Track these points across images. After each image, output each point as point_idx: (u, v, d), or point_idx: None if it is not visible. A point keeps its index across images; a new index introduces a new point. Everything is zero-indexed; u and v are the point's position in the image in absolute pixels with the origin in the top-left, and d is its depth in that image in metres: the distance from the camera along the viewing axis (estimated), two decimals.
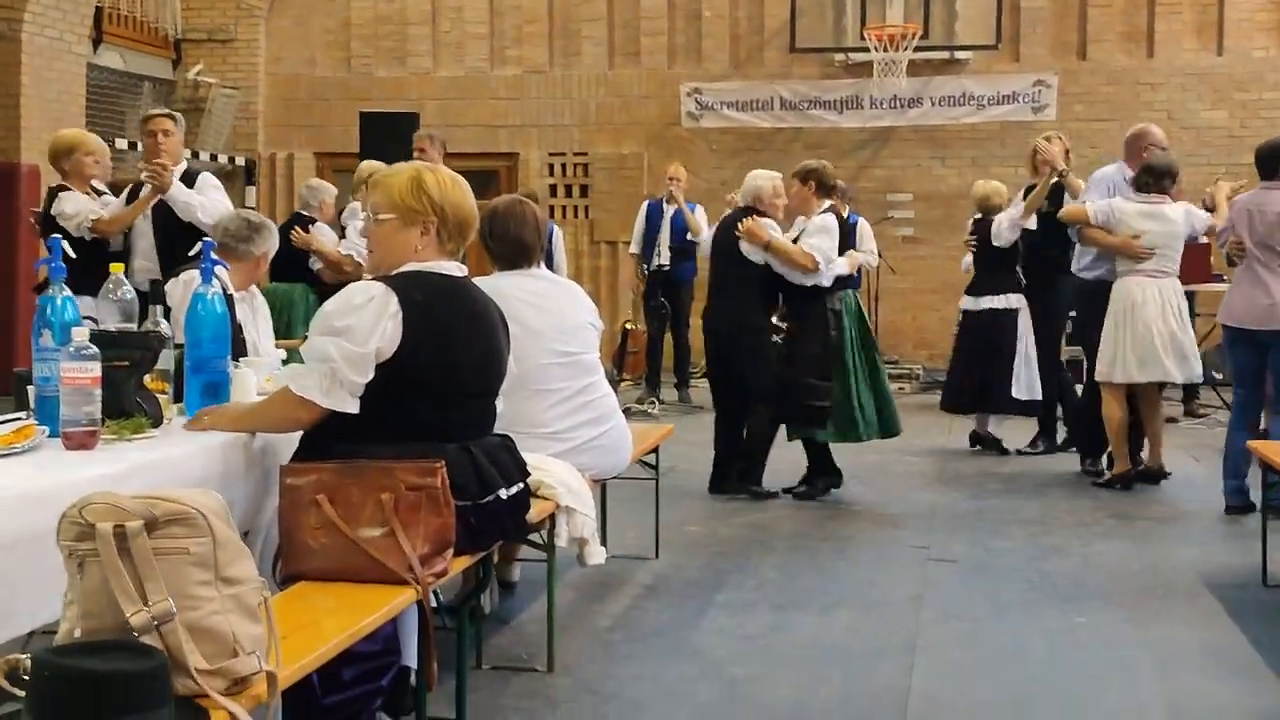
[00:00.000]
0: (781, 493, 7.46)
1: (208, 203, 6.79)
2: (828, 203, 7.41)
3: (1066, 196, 8.36)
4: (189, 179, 7.04)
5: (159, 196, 6.77)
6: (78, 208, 6.81)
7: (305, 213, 9.36)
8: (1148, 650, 4.72)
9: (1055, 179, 8.39)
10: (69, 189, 6.95)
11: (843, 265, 7.45)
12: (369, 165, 9.73)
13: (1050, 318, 8.86)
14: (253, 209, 12.60)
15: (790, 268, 7.17)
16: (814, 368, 7.21)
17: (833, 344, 7.29)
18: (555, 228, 10.71)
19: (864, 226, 9.58)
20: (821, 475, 7.54)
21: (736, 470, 7.50)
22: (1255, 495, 6.84)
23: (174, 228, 6.78)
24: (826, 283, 7.22)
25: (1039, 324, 8.73)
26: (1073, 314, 8.81)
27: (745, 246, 7.29)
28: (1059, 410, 9.03)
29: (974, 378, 8.83)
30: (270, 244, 5.43)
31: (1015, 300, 8.73)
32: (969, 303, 8.98)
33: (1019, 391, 8.71)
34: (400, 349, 3.42)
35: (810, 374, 7.19)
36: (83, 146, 7.06)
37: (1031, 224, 8.59)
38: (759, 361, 7.37)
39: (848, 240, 7.63)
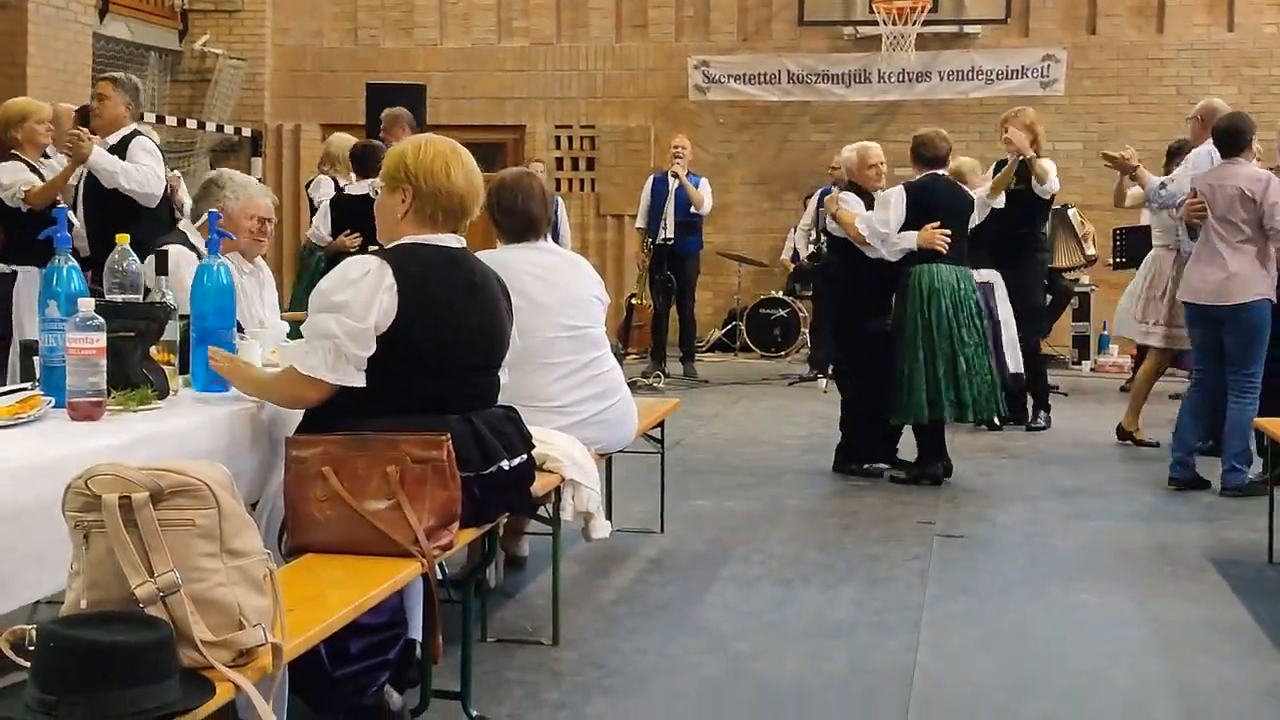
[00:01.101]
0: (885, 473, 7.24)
1: (132, 169, 6.64)
2: (925, 173, 7.13)
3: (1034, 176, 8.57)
4: (125, 143, 6.90)
5: (81, 165, 6.68)
6: (14, 178, 6.77)
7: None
8: (1154, 628, 4.71)
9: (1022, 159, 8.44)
10: (15, 158, 6.91)
11: (911, 240, 6.94)
12: (338, 140, 9.83)
13: (1025, 295, 8.82)
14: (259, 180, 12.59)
15: (852, 240, 7.10)
16: (884, 346, 7.03)
17: (896, 322, 7.00)
18: (560, 200, 10.68)
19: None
20: (924, 462, 7.13)
21: (840, 448, 7.39)
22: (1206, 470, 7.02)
23: (100, 196, 6.70)
24: (890, 257, 6.99)
25: (1014, 301, 8.66)
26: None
27: (828, 219, 7.31)
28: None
29: None
30: (230, 203, 4.91)
31: (992, 274, 8.69)
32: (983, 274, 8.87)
33: (1014, 365, 8.71)
34: (396, 322, 3.41)
35: (882, 353, 7.01)
36: (35, 115, 7.00)
37: (1000, 202, 8.53)
38: (838, 336, 7.36)
39: (938, 213, 6.97)
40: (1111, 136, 12.71)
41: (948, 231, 6.95)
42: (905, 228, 6.97)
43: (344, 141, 9.86)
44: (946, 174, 7.18)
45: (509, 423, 3.70)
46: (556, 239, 8.82)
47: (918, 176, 7.18)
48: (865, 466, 7.31)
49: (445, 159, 3.60)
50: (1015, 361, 8.62)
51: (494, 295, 3.72)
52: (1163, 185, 8.02)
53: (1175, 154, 8.61)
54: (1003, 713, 3.91)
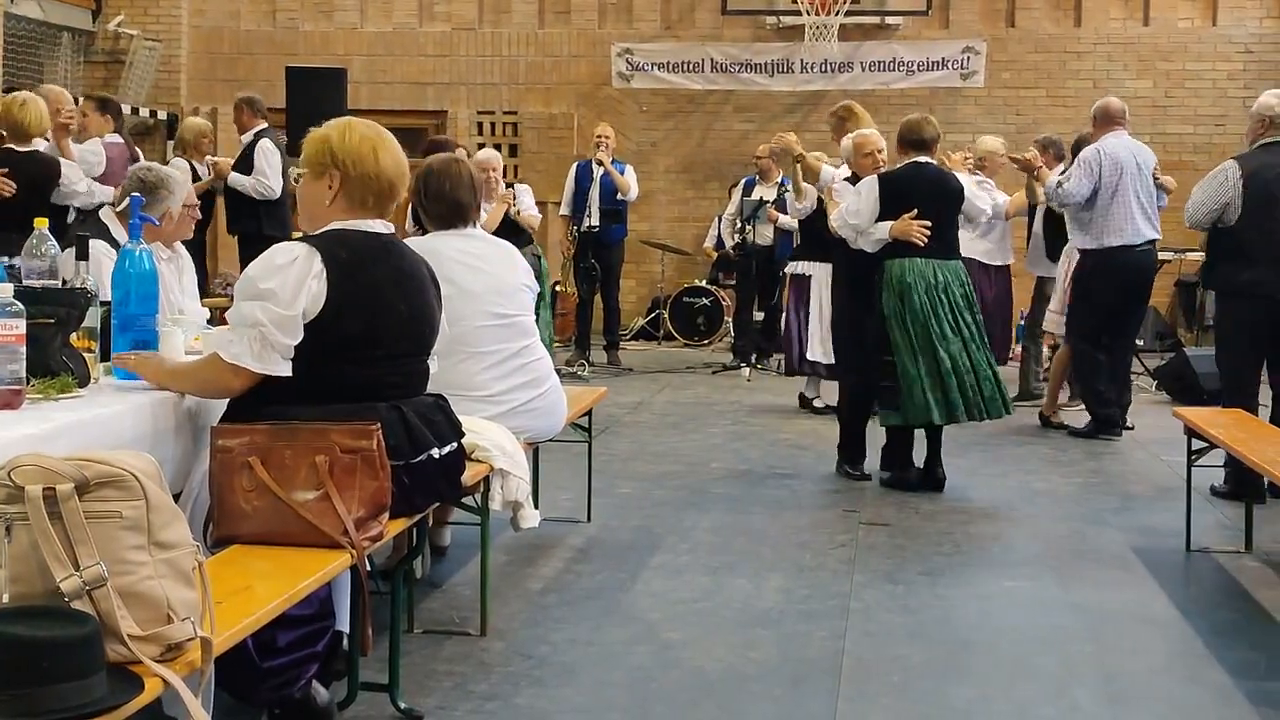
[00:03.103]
0: (874, 477, 6.96)
1: None
2: (908, 160, 6.75)
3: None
4: None
5: None
6: None
7: None
8: (1077, 614, 4.77)
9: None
10: None
11: (885, 231, 6.60)
12: (192, 124, 9.77)
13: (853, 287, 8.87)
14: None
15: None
16: (877, 343, 6.66)
17: (881, 317, 6.63)
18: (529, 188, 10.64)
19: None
20: (895, 465, 6.84)
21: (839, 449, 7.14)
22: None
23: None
24: (868, 249, 6.66)
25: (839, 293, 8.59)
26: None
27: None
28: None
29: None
30: (169, 202, 4.85)
31: (813, 266, 8.79)
32: (802, 267, 9.02)
33: (815, 353, 8.79)
34: (325, 309, 3.35)
35: (876, 349, 6.66)
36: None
37: (806, 202, 8.59)
38: (834, 328, 7.35)
39: (915, 202, 6.58)
40: (1029, 129, 12.85)
41: (926, 223, 6.53)
42: (884, 217, 6.59)
43: (196, 125, 9.84)
44: (932, 161, 6.80)
45: (439, 411, 3.66)
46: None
47: (900, 164, 6.84)
48: (856, 470, 7.01)
49: (372, 143, 3.54)
50: (826, 353, 8.59)
51: (423, 282, 3.67)
52: (1059, 184, 8.17)
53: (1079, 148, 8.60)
54: (931, 697, 3.94)
